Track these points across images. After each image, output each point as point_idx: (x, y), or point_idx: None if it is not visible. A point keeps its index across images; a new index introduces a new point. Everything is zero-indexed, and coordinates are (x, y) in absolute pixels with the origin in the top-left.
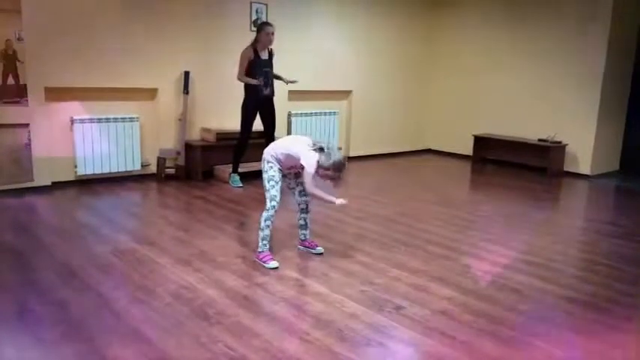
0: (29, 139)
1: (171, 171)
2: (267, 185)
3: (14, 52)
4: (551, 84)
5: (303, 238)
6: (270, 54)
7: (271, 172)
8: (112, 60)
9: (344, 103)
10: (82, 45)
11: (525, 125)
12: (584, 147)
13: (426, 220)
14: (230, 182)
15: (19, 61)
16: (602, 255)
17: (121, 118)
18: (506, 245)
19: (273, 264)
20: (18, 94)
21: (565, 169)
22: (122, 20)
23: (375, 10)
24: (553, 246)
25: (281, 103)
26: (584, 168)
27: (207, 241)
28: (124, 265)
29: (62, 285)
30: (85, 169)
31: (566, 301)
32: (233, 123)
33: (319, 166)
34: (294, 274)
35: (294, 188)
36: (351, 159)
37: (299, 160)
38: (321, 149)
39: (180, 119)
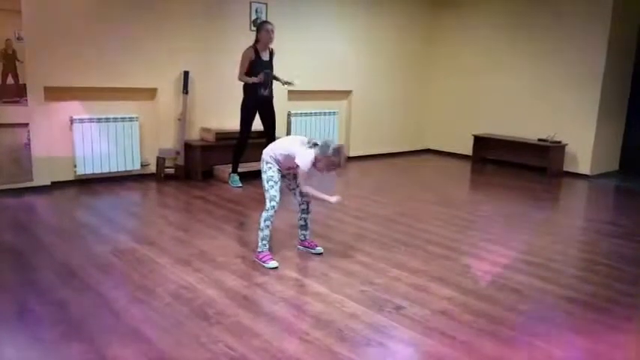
0: (29, 139)
1: (171, 171)
2: (266, 185)
3: (14, 51)
4: (550, 84)
5: (303, 239)
6: (271, 54)
7: (270, 173)
8: (112, 60)
9: (344, 103)
10: (82, 45)
11: (525, 125)
12: (583, 147)
13: (426, 220)
14: (229, 182)
15: (18, 60)
16: (602, 255)
17: (121, 118)
18: (506, 245)
19: (273, 264)
20: (17, 93)
21: (565, 169)
22: (122, 20)
23: (374, 9)
24: (553, 246)
25: (281, 103)
26: (584, 168)
27: (207, 241)
28: (123, 264)
29: (62, 285)
30: (85, 169)
31: (566, 301)
32: (233, 123)
33: (320, 157)
34: (294, 274)
35: (294, 189)
36: (350, 159)
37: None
38: (315, 144)
39: (179, 119)
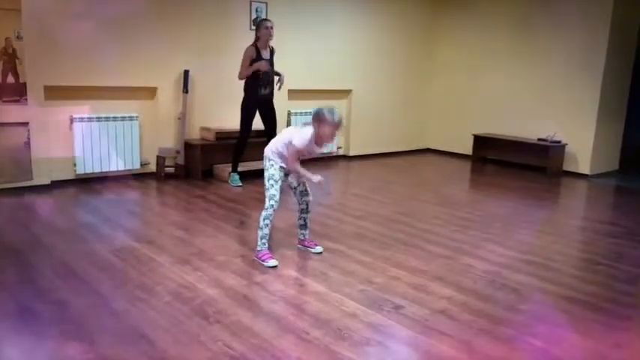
0: (28, 138)
1: (171, 170)
2: (266, 184)
3: (14, 50)
4: (550, 83)
5: (303, 238)
6: (272, 52)
7: (271, 171)
8: (112, 59)
9: (343, 102)
10: (82, 44)
11: (525, 125)
12: (583, 146)
13: (426, 219)
14: (229, 181)
15: (18, 59)
16: (601, 255)
17: (121, 117)
18: (505, 245)
19: (272, 262)
20: (18, 92)
21: (564, 168)
22: (121, 19)
23: (374, 8)
24: (552, 245)
25: (280, 102)
26: (584, 167)
27: (207, 240)
28: (123, 264)
29: (61, 284)
30: (85, 168)
31: (565, 301)
32: (232, 122)
33: (319, 125)
34: (294, 274)
35: (295, 188)
36: (350, 158)
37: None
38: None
39: (179, 118)
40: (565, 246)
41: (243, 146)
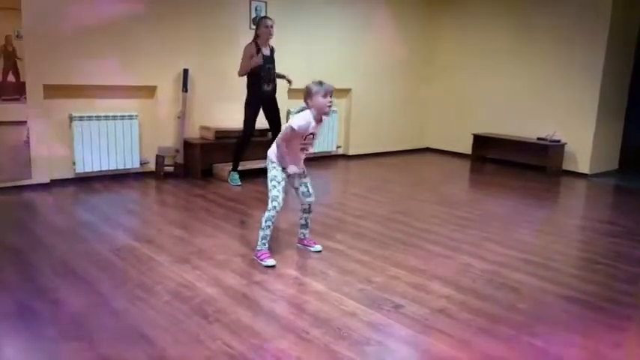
0: (28, 137)
1: (170, 169)
2: (269, 185)
3: (14, 49)
4: (550, 83)
5: (303, 237)
6: (272, 51)
7: (274, 172)
8: (111, 57)
9: (343, 101)
10: (81, 42)
11: (524, 124)
12: (583, 146)
13: (425, 218)
14: (229, 180)
15: (18, 58)
16: (601, 254)
17: (120, 116)
18: (504, 244)
19: (271, 262)
20: (18, 91)
21: (564, 167)
22: (121, 17)
23: (374, 8)
24: (552, 245)
25: (280, 102)
26: (583, 167)
27: (206, 239)
28: (122, 263)
29: (61, 283)
30: (84, 167)
31: (565, 300)
32: (232, 121)
33: (312, 100)
34: (293, 273)
35: (297, 188)
36: (350, 158)
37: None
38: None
39: (179, 117)
40: (564, 245)
41: (246, 145)
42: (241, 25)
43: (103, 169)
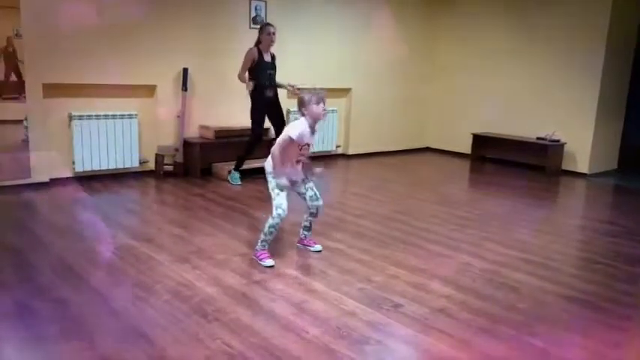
0: (27, 135)
1: (170, 168)
2: (272, 194)
3: (14, 49)
4: (549, 83)
5: (304, 237)
6: (273, 57)
7: (273, 183)
8: (111, 56)
9: (343, 100)
10: (81, 41)
11: (524, 124)
12: (582, 145)
13: (425, 218)
14: (229, 178)
15: (19, 60)
16: (600, 254)
17: (120, 115)
18: (504, 244)
19: (269, 262)
20: (18, 90)
21: (563, 167)
22: (121, 16)
23: (374, 7)
24: (551, 245)
25: (280, 101)
26: (583, 166)
27: (206, 239)
28: (122, 262)
29: (60, 282)
30: (83, 166)
31: (564, 300)
32: (232, 120)
33: (308, 108)
34: (293, 272)
35: (304, 193)
36: (349, 157)
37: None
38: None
39: (178, 116)
40: (564, 245)
41: (256, 146)
42: (241, 24)
43: (103, 168)
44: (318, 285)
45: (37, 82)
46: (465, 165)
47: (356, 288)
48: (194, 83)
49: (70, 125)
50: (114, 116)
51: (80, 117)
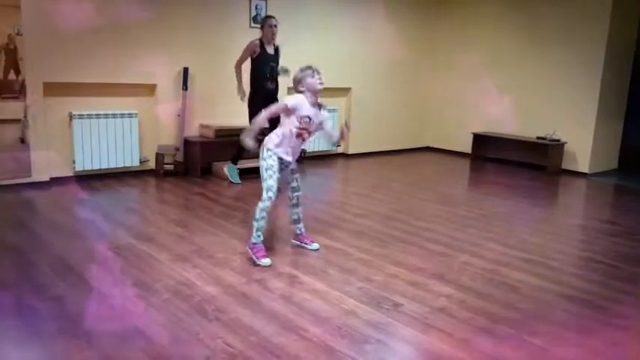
0: (26, 134)
1: (170, 167)
2: (264, 174)
3: (15, 47)
4: (550, 82)
5: (300, 232)
6: (276, 49)
7: (270, 162)
8: (111, 55)
9: (343, 100)
10: (81, 40)
11: (524, 123)
12: (582, 145)
13: (425, 217)
14: (227, 172)
15: (20, 59)
16: (600, 253)
17: (120, 114)
18: (504, 243)
19: (266, 262)
20: (17, 89)
21: (563, 167)
22: (121, 16)
23: (375, 6)
24: (551, 244)
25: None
26: (583, 166)
27: (206, 238)
28: (122, 261)
29: (60, 280)
30: (84, 165)
31: (564, 299)
32: (232, 119)
33: (303, 83)
34: (293, 271)
35: (289, 183)
36: (350, 156)
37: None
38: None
39: (179, 115)
40: (564, 244)
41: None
42: (241, 23)
43: (103, 167)
44: (318, 284)
45: (38, 81)
46: (466, 164)
47: (356, 287)
48: (194, 82)
49: (70, 124)
50: (114, 115)
51: (80, 116)
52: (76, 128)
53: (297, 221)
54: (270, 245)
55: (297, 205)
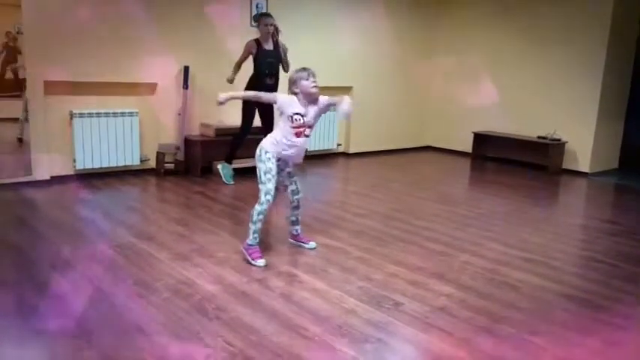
0: (28, 133)
1: (171, 166)
2: (263, 178)
3: (15, 45)
4: (550, 81)
5: (296, 233)
6: (276, 45)
7: (269, 165)
8: (112, 54)
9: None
10: (82, 39)
11: (525, 123)
12: (583, 145)
13: (425, 216)
14: (220, 170)
15: (19, 53)
16: (601, 253)
17: (121, 113)
18: (505, 242)
19: (261, 262)
20: (17, 87)
21: (564, 166)
22: (122, 14)
23: (375, 6)
24: (552, 243)
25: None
26: (584, 166)
27: (207, 237)
28: (122, 259)
29: (60, 279)
30: (84, 164)
31: (565, 299)
32: (232, 118)
33: (297, 84)
34: (293, 270)
35: (287, 186)
36: (350, 156)
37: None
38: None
39: (179, 114)
40: (565, 244)
41: (243, 140)
42: (242, 22)
43: (104, 166)
44: (318, 283)
45: (39, 80)
46: (466, 164)
47: (356, 286)
48: (195, 81)
49: (71, 123)
50: (115, 114)
51: (81, 115)
52: (76, 127)
53: (295, 222)
54: (270, 245)
55: (297, 207)
